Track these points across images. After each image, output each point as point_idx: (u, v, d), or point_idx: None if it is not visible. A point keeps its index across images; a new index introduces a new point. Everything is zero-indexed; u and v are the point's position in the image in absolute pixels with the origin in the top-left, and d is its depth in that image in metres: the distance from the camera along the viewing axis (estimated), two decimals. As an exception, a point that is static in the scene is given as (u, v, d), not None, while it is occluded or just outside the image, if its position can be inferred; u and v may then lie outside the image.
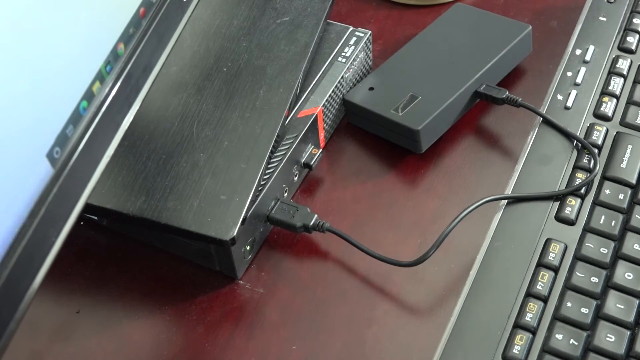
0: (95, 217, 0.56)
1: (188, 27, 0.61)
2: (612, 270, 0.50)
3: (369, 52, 0.63)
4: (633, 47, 0.63)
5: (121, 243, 0.56)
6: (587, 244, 0.51)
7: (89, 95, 0.40)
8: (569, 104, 0.59)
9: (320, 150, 0.58)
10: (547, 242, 0.52)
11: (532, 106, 0.59)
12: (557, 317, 0.48)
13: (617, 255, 0.51)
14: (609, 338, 0.47)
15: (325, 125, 0.59)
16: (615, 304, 0.48)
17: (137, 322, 0.52)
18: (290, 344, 0.50)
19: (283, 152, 0.55)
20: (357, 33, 0.62)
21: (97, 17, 0.41)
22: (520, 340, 0.47)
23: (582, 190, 0.54)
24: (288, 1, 0.62)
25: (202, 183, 0.52)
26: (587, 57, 0.62)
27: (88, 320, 0.52)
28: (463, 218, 0.52)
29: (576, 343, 0.47)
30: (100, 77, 0.41)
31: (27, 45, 0.36)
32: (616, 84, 0.60)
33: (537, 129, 0.58)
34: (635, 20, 0.64)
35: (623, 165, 0.55)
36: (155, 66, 0.46)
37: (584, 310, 0.48)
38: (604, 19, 0.65)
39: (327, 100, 0.58)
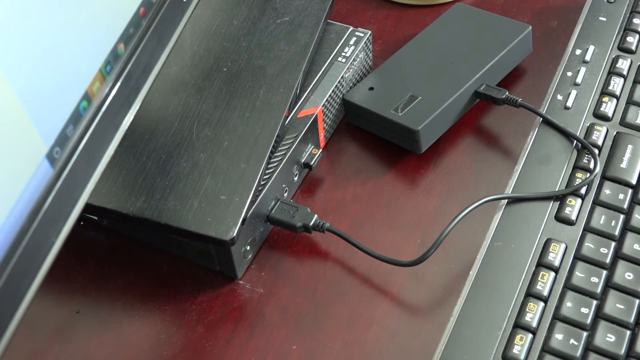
0: (95, 217, 0.56)
1: (188, 27, 0.61)
2: (612, 270, 0.50)
3: (369, 52, 0.63)
4: (633, 47, 0.63)
5: (121, 243, 0.56)
6: (587, 244, 0.51)
7: (89, 95, 0.40)
8: (569, 104, 0.59)
9: (320, 150, 0.58)
10: (547, 242, 0.52)
11: (532, 106, 0.59)
12: (557, 317, 0.48)
13: (617, 255, 0.51)
14: (609, 338, 0.47)
15: (325, 125, 0.59)
16: (615, 304, 0.48)
17: (137, 322, 0.52)
18: (290, 344, 0.50)
19: (283, 152, 0.55)
20: (357, 33, 0.62)
21: (97, 17, 0.41)
22: (520, 340, 0.47)
23: (582, 190, 0.54)
24: (288, 1, 0.62)
25: (202, 183, 0.52)
26: (587, 57, 0.62)
27: (88, 320, 0.52)
28: (463, 218, 0.52)
29: (576, 343, 0.47)
30: (100, 77, 0.41)
31: (26, 45, 0.36)
32: (616, 84, 0.60)
33: (537, 129, 0.58)
34: (635, 20, 0.64)
35: (623, 165, 0.55)
36: (155, 66, 0.46)
37: (584, 310, 0.48)
38: (604, 19, 0.65)
39: (327, 100, 0.58)
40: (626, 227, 0.52)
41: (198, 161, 0.53)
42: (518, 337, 0.47)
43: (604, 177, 0.55)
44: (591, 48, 0.63)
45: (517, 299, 0.49)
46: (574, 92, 0.60)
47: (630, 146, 0.56)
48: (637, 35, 0.64)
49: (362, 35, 0.62)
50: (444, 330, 0.49)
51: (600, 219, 0.52)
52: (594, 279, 0.49)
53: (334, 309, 0.52)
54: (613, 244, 0.51)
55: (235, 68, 0.58)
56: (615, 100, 0.59)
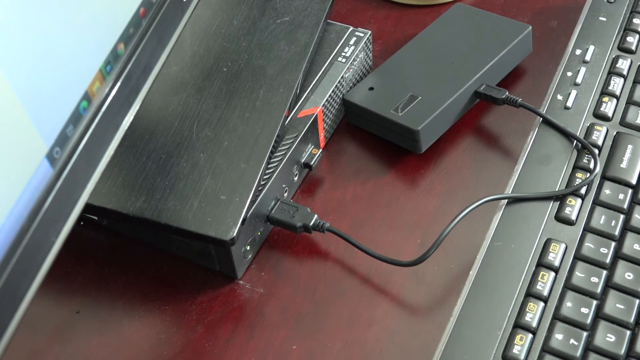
0: (95, 217, 0.56)
1: (188, 27, 0.61)
2: (612, 270, 0.50)
3: (369, 52, 0.63)
4: (633, 47, 0.63)
5: (121, 243, 0.56)
6: (587, 244, 0.51)
7: (89, 95, 0.40)
8: (569, 104, 0.59)
9: (320, 150, 0.58)
10: (547, 242, 0.52)
11: (532, 106, 0.59)
12: (557, 317, 0.48)
13: (617, 255, 0.51)
14: (609, 338, 0.47)
15: (325, 125, 0.59)
16: (615, 304, 0.48)
17: (137, 322, 0.52)
18: (290, 344, 0.50)
19: (283, 152, 0.55)
20: (357, 33, 0.62)
21: (97, 17, 0.41)
22: (520, 340, 0.47)
23: (582, 190, 0.54)
24: (288, 1, 0.62)
25: (202, 183, 0.52)
26: (587, 57, 0.62)
27: (88, 320, 0.52)
28: (463, 218, 0.52)
29: (576, 343, 0.47)
30: (100, 77, 0.41)
31: (27, 45, 0.36)
32: (616, 84, 0.60)
33: (537, 129, 0.58)
34: (635, 20, 0.64)
35: (623, 165, 0.55)
36: (155, 66, 0.46)
37: (584, 310, 0.48)
38: (604, 19, 0.65)
39: (327, 100, 0.58)
40: (626, 227, 0.52)
41: (198, 161, 0.53)
42: (518, 337, 0.47)
43: (604, 177, 0.55)
44: (591, 48, 0.63)
45: (517, 299, 0.49)
46: (574, 92, 0.60)
47: (630, 146, 0.56)
48: (637, 35, 0.64)
49: (362, 35, 0.62)
50: (444, 330, 0.49)
51: (600, 219, 0.52)
52: (594, 279, 0.49)
53: (334, 309, 0.52)
54: (613, 244, 0.51)
55: (235, 68, 0.58)
56: (615, 100, 0.59)
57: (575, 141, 0.57)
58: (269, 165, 0.54)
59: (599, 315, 0.48)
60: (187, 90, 0.57)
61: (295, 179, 0.57)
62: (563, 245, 0.51)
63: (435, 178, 0.58)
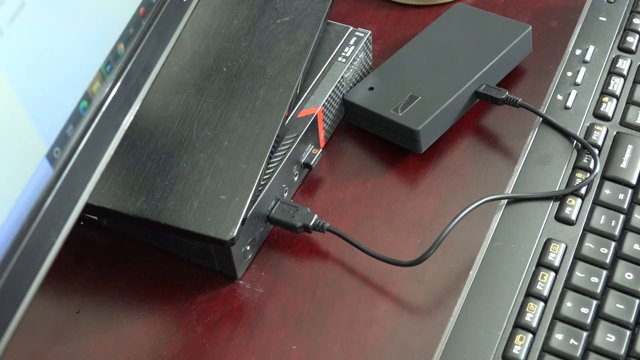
0: (95, 217, 0.56)
1: (188, 27, 0.61)
2: (612, 270, 0.50)
3: (369, 52, 0.63)
4: (633, 47, 0.63)
5: (121, 243, 0.56)
6: (587, 244, 0.51)
7: (89, 95, 0.40)
8: (569, 104, 0.59)
9: (320, 150, 0.58)
10: (547, 242, 0.52)
11: (532, 106, 0.59)
12: (557, 317, 0.48)
13: (617, 255, 0.51)
14: (609, 338, 0.47)
15: (325, 125, 0.59)
16: (615, 304, 0.48)
17: (137, 322, 0.52)
18: (290, 344, 0.50)
19: (283, 152, 0.55)
20: (357, 33, 0.62)
21: (97, 17, 0.41)
22: (520, 340, 0.47)
23: (582, 190, 0.54)
24: (288, 1, 0.62)
25: (202, 183, 0.52)
26: (587, 57, 0.62)
27: (88, 320, 0.52)
28: (463, 218, 0.52)
29: (576, 343, 0.47)
30: (100, 77, 0.41)
31: (27, 45, 0.36)
32: (616, 84, 0.60)
33: (537, 129, 0.58)
34: (635, 20, 0.64)
35: (623, 165, 0.55)
36: (155, 66, 0.46)
37: (584, 310, 0.48)
38: (604, 19, 0.65)
39: (327, 100, 0.58)
40: (626, 227, 0.52)
41: (198, 161, 0.53)
42: (518, 337, 0.47)
43: (604, 177, 0.55)
44: (591, 48, 0.63)
45: (517, 299, 0.49)
46: (574, 92, 0.60)
47: (630, 146, 0.56)
48: (637, 35, 0.64)
49: (362, 35, 0.62)
50: (444, 330, 0.49)
51: (600, 219, 0.52)
52: (594, 279, 0.49)
53: (334, 309, 0.52)
54: (613, 244, 0.51)
55: (235, 68, 0.58)
56: (615, 100, 0.59)
57: (575, 141, 0.57)
58: (269, 165, 0.54)
59: (599, 315, 0.48)
60: (187, 90, 0.57)
61: (295, 179, 0.57)
62: (563, 245, 0.51)
63: (435, 178, 0.58)
